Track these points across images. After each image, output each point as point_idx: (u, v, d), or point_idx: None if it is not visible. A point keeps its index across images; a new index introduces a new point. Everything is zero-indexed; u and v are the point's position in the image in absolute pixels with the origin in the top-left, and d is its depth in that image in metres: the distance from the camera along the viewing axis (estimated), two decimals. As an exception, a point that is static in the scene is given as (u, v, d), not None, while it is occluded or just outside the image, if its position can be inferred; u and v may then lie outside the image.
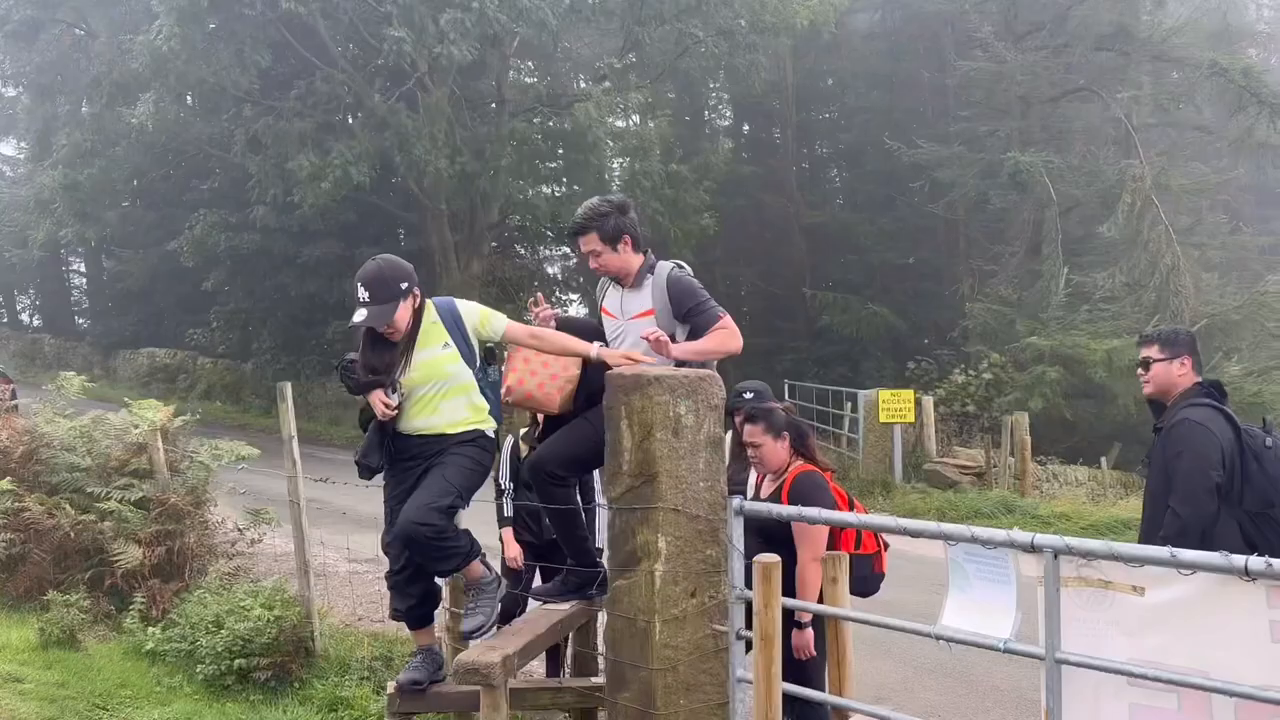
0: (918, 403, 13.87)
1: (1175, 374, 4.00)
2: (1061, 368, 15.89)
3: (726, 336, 3.90)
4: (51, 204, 21.69)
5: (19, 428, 6.79)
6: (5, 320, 42.08)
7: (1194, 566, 2.57)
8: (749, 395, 4.47)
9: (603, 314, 4.12)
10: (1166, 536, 3.66)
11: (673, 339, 3.82)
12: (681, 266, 4.05)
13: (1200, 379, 4.02)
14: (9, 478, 6.09)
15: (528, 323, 4.05)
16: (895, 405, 13.44)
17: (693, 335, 3.91)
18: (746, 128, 31.13)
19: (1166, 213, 16.80)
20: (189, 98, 20.13)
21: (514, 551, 5.02)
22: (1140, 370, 4.12)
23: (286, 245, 20.99)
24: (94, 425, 7.05)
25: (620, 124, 22.28)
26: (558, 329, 4.00)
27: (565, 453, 4.03)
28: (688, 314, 3.88)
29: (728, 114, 30.92)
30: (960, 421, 16.13)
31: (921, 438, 14.19)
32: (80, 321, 38.89)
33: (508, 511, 5.11)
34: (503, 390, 3.99)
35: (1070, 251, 17.83)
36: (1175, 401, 3.98)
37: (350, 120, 18.70)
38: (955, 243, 23.35)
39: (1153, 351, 4.06)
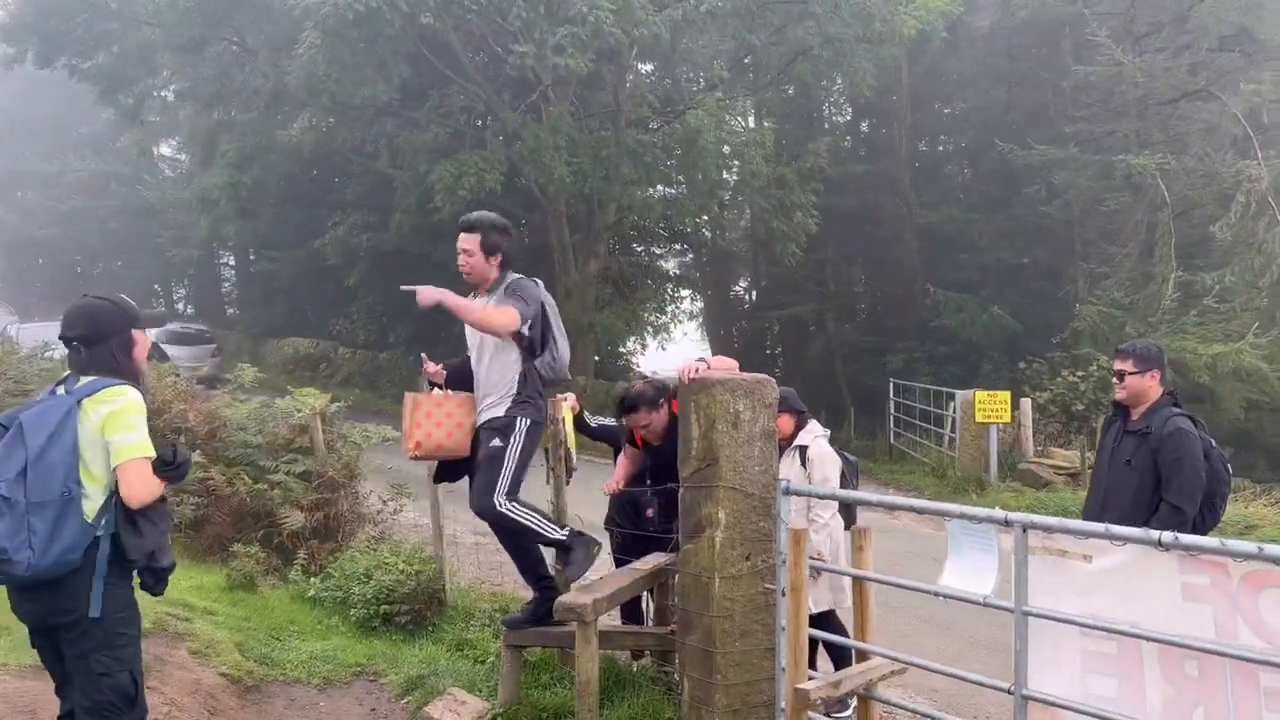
0: (1015, 403, 14.19)
1: (1146, 385, 4.72)
2: (1170, 371, 15.86)
3: (497, 313, 4.42)
4: (216, 203, 23.78)
5: (203, 410, 8.06)
6: (163, 309, 45.66)
7: (1123, 539, 3.25)
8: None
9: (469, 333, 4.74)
10: (1165, 528, 4.04)
11: None
12: (536, 282, 4.65)
13: (1165, 389, 4.72)
14: (198, 451, 7.32)
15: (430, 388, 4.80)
16: (991, 406, 13.82)
17: None
18: (864, 126, 31.30)
19: (1283, 215, 16.55)
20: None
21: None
22: (1115, 380, 4.79)
23: (421, 245, 22.49)
24: (263, 409, 8.31)
25: (732, 123, 22.90)
26: (447, 373, 4.76)
27: (505, 485, 4.52)
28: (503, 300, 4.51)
29: (847, 110, 31.08)
30: (1062, 423, 16.29)
31: (1019, 438, 14.51)
32: (230, 312, 41.93)
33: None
34: (410, 447, 4.46)
35: (1184, 254, 17.69)
36: (1150, 408, 4.66)
37: (483, 130, 19.91)
38: (1070, 244, 23.18)
39: (1127, 365, 4.75)
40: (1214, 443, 4.64)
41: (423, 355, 5.07)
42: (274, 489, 7.37)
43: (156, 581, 3.25)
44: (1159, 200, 17.41)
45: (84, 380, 3.18)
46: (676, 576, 4.95)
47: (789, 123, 27.26)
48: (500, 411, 4.51)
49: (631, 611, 5.61)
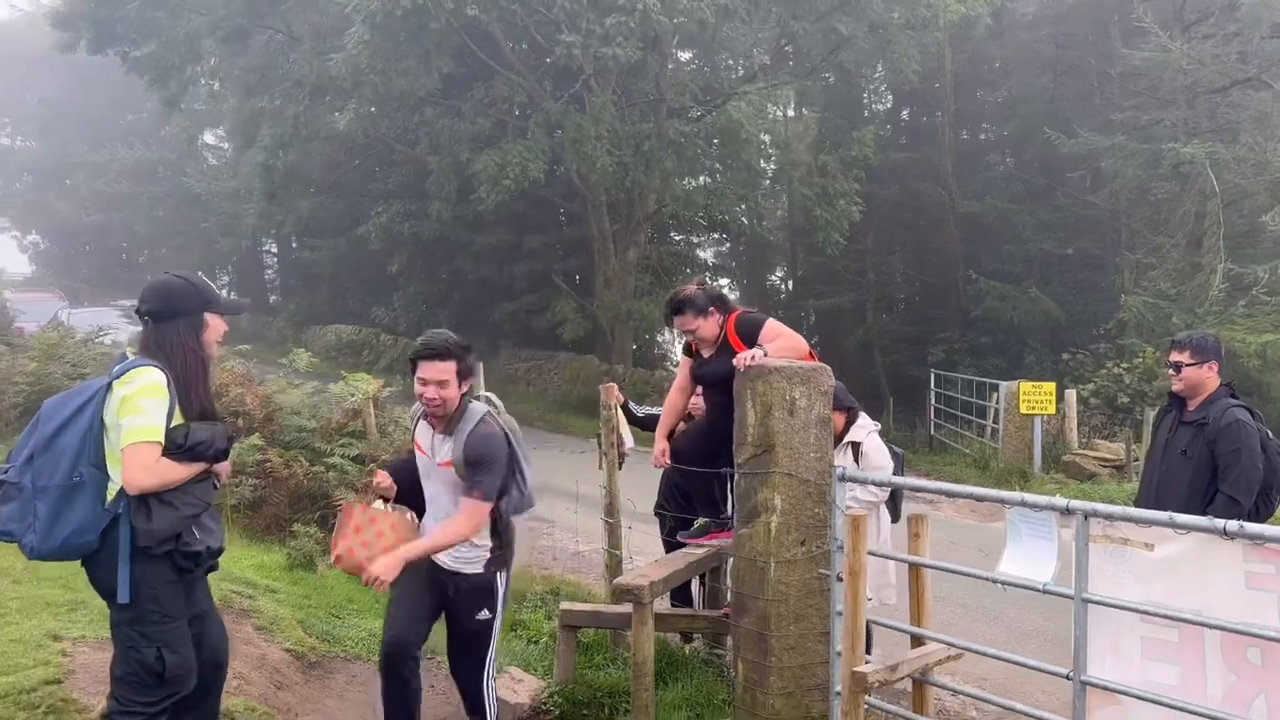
0: (1059, 395, 14.09)
1: (1204, 376, 4.67)
2: (1222, 362, 15.67)
3: (463, 525, 3.74)
4: (253, 190, 24.13)
5: (260, 394, 8.24)
6: (248, 300, 46.36)
7: (1188, 528, 3.27)
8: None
9: (415, 446, 4.01)
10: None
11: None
12: (492, 408, 3.89)
13: (1222, 381, 4.69)
14: (256, 434, 7.50)
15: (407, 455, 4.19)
16: (1036, 397, 13.73)
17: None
18: (905, 114, 31.04)
19: (1336, 204, 16.26)
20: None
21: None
22: (1171, 371, 4.76)
23: (462, 233, 22.69)
24: (316, 394, 8.48)
25: (773, 111, 22.82)
26: (392, 472, 4.06)
27: (490, 664, 4.10)
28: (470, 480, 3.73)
29: (888, 97, 30.84)
30: (1107, 415, 16.15)
31: (1063, 429, 14.40)
32: (273, 299, 42.54)
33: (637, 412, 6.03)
34: (332, 556, 3.95)
35: (1233, 244, 17.43)
36: (1207, 399, 4.63)
37: (525, 119, 20.01)
38: (1116, 234, 22.91)
39: (1184, 357, 4.72)
40: (1270, 434, 4.61)
41: (376, 469, 4.60)
42: (329, 471, 7.53)
43: (193, 566, 3.20)
44: (1208, 190, 17.16)
45: (126, 361, 3.15)
46: (730, 561, 5.02)
47: (830, 111, 27.10)
48: (478, 568, 3.90)
49: (681, 595, 5.69)
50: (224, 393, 7.69)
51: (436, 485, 3.87)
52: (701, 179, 21.82)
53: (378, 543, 3.70)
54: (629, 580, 4.53)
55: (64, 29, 22.97)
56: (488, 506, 3.72)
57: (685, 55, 24.66)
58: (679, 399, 5.21)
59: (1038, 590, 3.69)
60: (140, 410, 3.01)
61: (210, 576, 5.73)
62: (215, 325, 3.34)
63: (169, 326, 3.19)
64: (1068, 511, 3.61)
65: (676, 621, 5.20)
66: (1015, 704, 3.99)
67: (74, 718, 3.69)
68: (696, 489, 5.27)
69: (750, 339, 4.70)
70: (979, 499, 3.99)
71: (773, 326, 4.78)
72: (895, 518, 5.66)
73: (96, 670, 4.10)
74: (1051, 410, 13.85)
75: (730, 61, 25.47)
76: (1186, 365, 4.69)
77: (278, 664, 5.01)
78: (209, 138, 41.40)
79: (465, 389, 3.78)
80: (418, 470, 3.96)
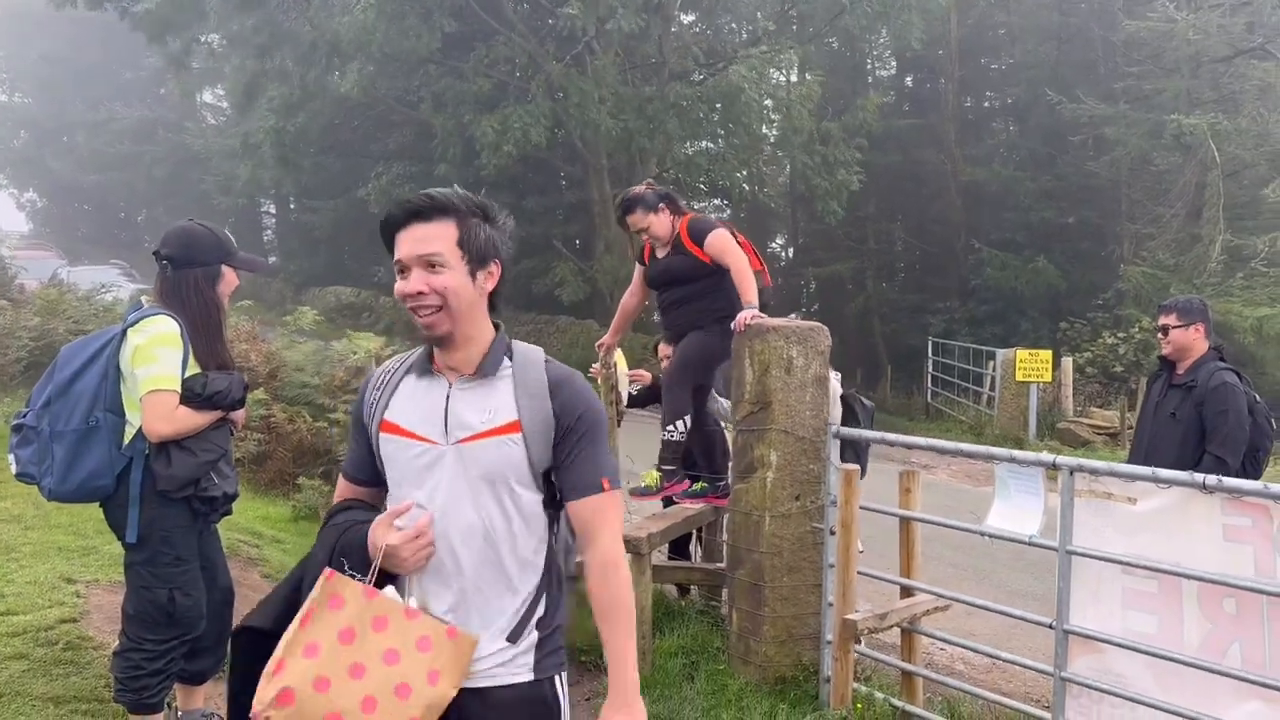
0: (1056, 363, 14.21)
1: (1191, 338, 4.77)
2: (1215, 331, 15.78)
3: (619, 550, 2.01)
4: (258, 149, 24.03)
5: (264, 351, 8.32)
6: (268, 260, 46.46)
7: (1169, 482, 3.38)
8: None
9: (383, 430, 2.05)
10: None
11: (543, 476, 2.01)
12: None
13: (1210, 344, 4.77)
14: (262, 388, 7.59)
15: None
16: (1032, 364, 13.84)
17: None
18: (909, 80, 30.88)
19: (1339, 177, 16.29)
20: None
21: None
22: (1160, 335, 4.87)
23: (465, 196, 22.65)
24: (319, 351, 8.57)
25: (776, 77, 22.70)
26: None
27: None
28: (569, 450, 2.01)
29: (892, 63, 30.65)
30: (1103, 384, 16.28)
31: (1059, 397, 14.53)
32: (271, 259, 42.50)
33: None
34: (263, 699, 1.98)
35: (1234, 215, 17.47)
36: (1195, 362, 4.73)
37: (527, 81, 19.94)
38: (1116, 203, 22.88)
39: (1171, 319, 4.82)
40: (1258, 397, 4.70)
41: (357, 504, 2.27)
42: (332, 427, 7.63)
43: (210, 510, 3.28)
44: (1209, 160, 17.17)
45: (141, 310, 3.19)
46: (726, 515, 5.14)
47: (833, 76, 26.96)
48: (524, 671, 2.00)
49: (679, 552, 5.82)
50: (229, 348, 7.76)
51: (450, 485, 1.97)
52: (704, 144, 21.76)
53: (381, 673, 1.85)
54: (628, 532, 4.65)
55: (58, -19, 22.69)
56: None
57: (688, 18, 24.49)
58: (631, 302, 5.46)
59: (1023, 542, 3.81)
60: (155, 359, 3.05)
61: (218, 525, 5.87)
62: (230, 279, 3.36)
63: (186, 274, 3.22)
64: (1054, 467, 3.72)
65: (674, 574, 5.33)
66: (1001, 653, 4.13)
67: (90, 654, 3.81)
68: (697, 446, 5.37)
69: (700, 239, 4.91)
70: (969, 455, 4.10)
71: (720, 236, 4.91)
72: (863, 473, 5.77)
73: (109, 610, 4.23)
74: (1048, 378, 13.97)
75: (733, 25, 25.30)
76: (1174, 327, 4.78)
77: (284, 610, 5.14)
78: (208, 96, 41.12)
79: (490, 286, 2.04)
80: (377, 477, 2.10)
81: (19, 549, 4.90)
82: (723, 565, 5.10)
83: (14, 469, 3.14)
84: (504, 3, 19.30)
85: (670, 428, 5.03)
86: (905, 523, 4.34)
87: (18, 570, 4.57)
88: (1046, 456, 3.72)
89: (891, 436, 4.37)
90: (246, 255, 3.48)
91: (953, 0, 20.51)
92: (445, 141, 19.92)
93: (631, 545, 4.55)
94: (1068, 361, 14.76)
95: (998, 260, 23.06)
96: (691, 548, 5.94)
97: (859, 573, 4.24)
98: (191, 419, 3.11)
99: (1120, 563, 3.55)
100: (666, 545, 5.44)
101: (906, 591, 4.34)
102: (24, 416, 3.14)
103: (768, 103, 20.50)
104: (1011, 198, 24.79)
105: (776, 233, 34.74)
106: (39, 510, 5.61)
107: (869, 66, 30.48)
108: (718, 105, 19.70)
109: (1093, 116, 19.91)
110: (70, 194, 50.10)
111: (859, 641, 4.23)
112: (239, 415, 3.41)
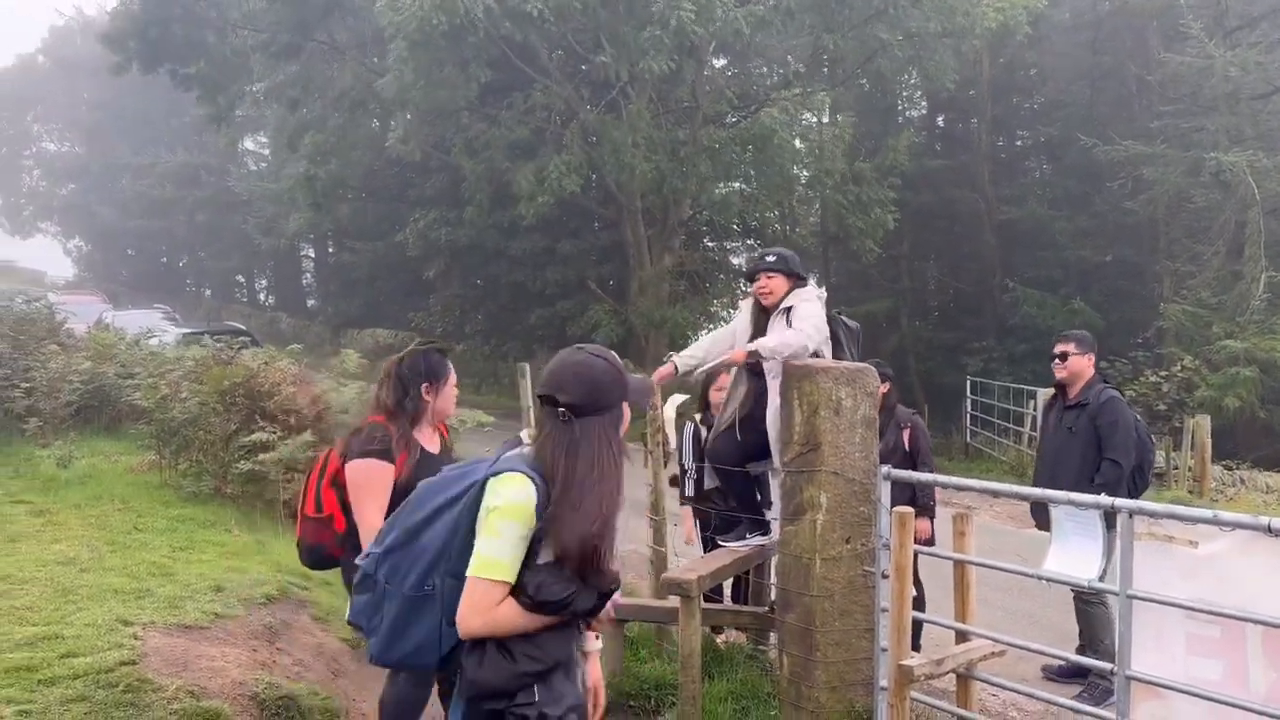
0: (1098, 402, 14.01)
1: (1084, 365, 5.59)
2: (1258, 369, 15.58)
3: None
4: (292, 193, 24.56)
5: (311, 394, 8.43)
6: (246, 299, 47.23)
7: (1232, 525, 3.34)
8: (771, 259, 5.24)
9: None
10: (1108, 482, 5.19)
11: None
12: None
13: (1095, 370, 5.69)
14: (309, 431, 7.68)
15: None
16: (1073, 404, 13.66)
17: None
18: (940, 120, 30.94)
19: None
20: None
21: (688, 527, 5.98)
22: (1057, 360, 5.65)
23: (497, 239, 22.94)
24: (363, 393, 8.66)
25: (807, 118, 22.85)
26: None
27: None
28: None
29: (922, 104, 30.76)
30: (1147, 422, 16.04)
31: (1101, 437, 14.32)
32: (310, 303, 43.13)
33: (689, 491, 5.93)
34: None
35: (1275, 253, 17.26)
36: (1085, 385, 5.56)
37: (562, 127, 20.23)
38: (1155, 242, 22.68)
39: (1070, 348, 5.62)
40: (1139, 418, 5.62)
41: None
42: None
43: None
44: (1249, 198, 17.02)
45: (513, 452, 2.53)
46: (774, 557, 5.12)
47: (865, 117, 27.09)
48: None
49: (713, 592, 5.80)
50: (276, 391, 7.88)
51: None
52: (736, 185, 21.92)
53: None
54: (677, 574, 4.65)
55: (114, 49, 23.37)
56: None
57: (720, 62, 24.75)
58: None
59: (1084, 588, 3.77)
60: (496, 534, 2.36)
61: (265, 567, 5.92)
62: (627, 419, 2.61)
63: (592, 424, 2.46)
64: (1113, 510, 3.68)
65: (721, 616, 5.30)
66: (1059, 699, 4.07)
67: (150, 696, 3.85)
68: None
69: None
70: (1024, 498, 4.07)
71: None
72: (931, 516, 5.80)
73: (167, 653, 4.28)
74: (1089, 417, 13.76)
75: (765, 68, 25.54)
76: (1072, 355, 5.55)
77: (334, 652, 5.18)
78: (249, 144, 42.07)
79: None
80: None
81: (76, 591, 4.98)
82: (768, 609, 5.07)
83: (348, 613, 2.66)
84: (539, 51, 19.63)
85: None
86: (960, 566, 4.30)
87: (76, 612, 4.64)
88: (1105, 499, 3.68)
89: (944, 479, 4.35)
90: (636, 380, 2.62)
91: (985, 41, 20.55)
92: (475, 186, 20.23)
93: (682, 588, 4.54)
94: (1110, 401, 14.57)
95: (1034, 299, 22.90)
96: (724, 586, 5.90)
97: (916, 618, 4.20)
98: (513, 621, 2.36)
99: (1182, 607, 3.50)
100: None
101: (962, 636, 4.28)
102: (367, 557, 2.58)
103: (800, 145, 20.61)
104: (1046, 236, 24.65)
105: (810, 272, 34.81)
106: (93, 553, 5.70)
107: (901, 107, 30.59)
108: (750, 147, 19.86)
109: (1130, 156, 19.82)
110: (114, 239, 51.28)
111: (914, 686, 4.17)
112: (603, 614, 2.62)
